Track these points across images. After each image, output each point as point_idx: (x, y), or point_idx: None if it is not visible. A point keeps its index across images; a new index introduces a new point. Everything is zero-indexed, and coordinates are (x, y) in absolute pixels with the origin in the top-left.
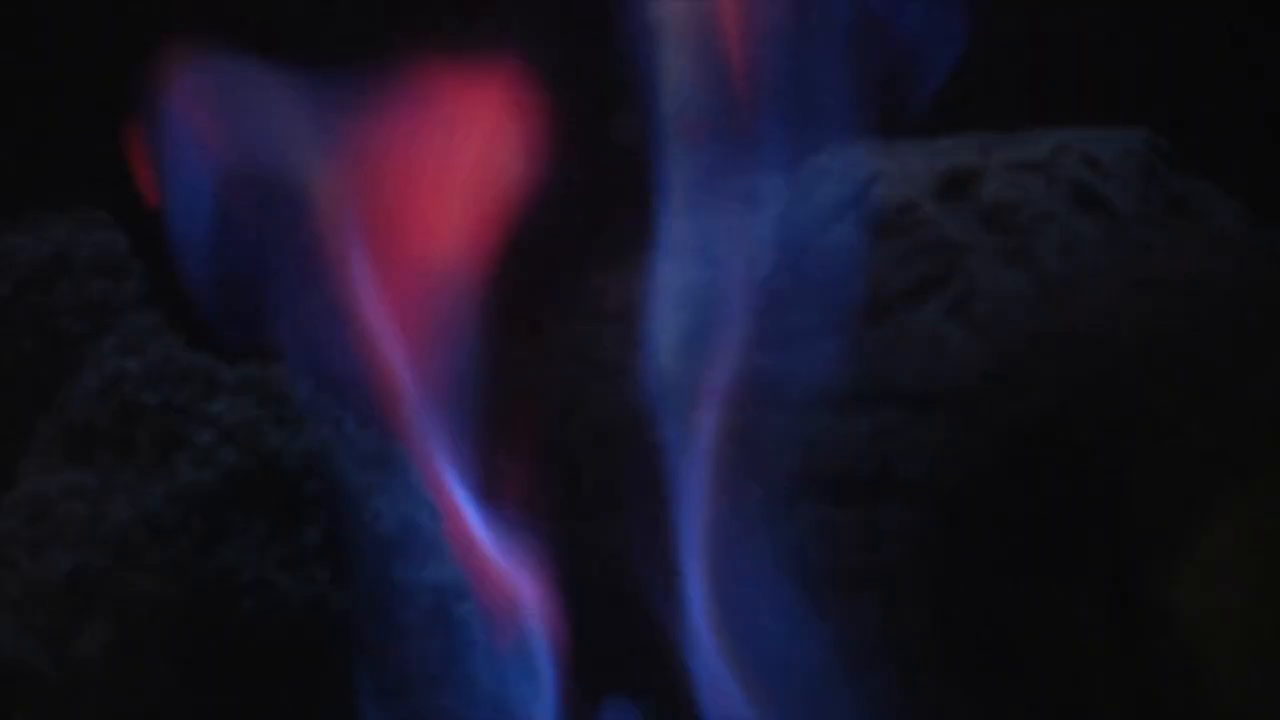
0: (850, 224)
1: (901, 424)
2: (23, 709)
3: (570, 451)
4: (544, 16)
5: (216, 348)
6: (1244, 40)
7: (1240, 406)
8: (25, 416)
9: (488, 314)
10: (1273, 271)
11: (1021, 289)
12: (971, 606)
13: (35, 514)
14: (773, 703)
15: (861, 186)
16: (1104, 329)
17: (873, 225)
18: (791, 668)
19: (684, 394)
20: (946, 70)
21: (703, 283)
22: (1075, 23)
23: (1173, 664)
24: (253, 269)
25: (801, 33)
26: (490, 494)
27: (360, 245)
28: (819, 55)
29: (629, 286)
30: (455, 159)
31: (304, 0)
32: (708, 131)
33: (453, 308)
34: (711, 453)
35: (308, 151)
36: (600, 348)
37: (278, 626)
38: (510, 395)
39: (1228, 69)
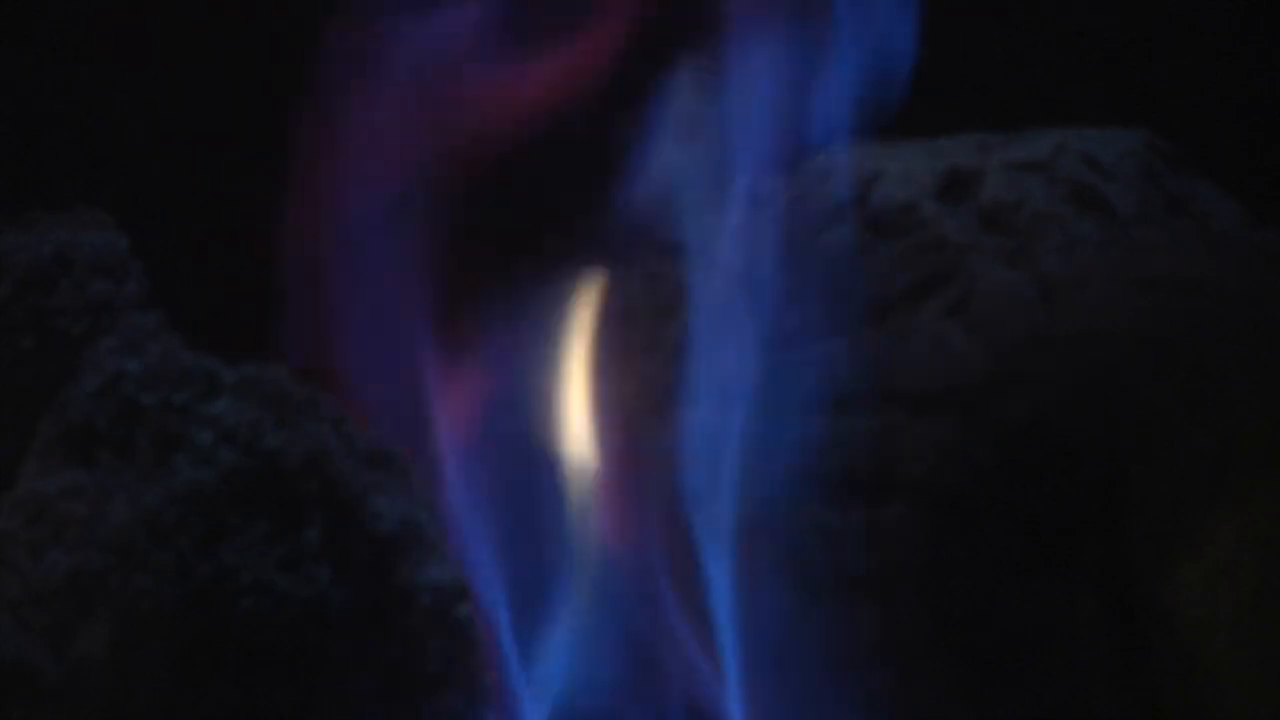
0: (850, 224)
1: (901, 424)
2: (23, 709)
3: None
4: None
5: (216, 348)
6: (1244, 40)
7: (1240, 406)
8: (25, 416)
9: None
10: (1273, 271)
11: (1021, 289)
12: (971, 606)
13: (35, 514)
14: (774, 702)
15: (862, 186)
16: (1104, 329)
17: (873, 225)
18: (792, 667)
19: (684, 395)
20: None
21: (703, 285)
22: (1075, 23)
23: (1173, 664)
24: None
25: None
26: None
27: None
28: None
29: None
30: None
31: None
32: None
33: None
34: (711, 453)
35: None
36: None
37: (278, 627)
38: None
39: (1228, 69)
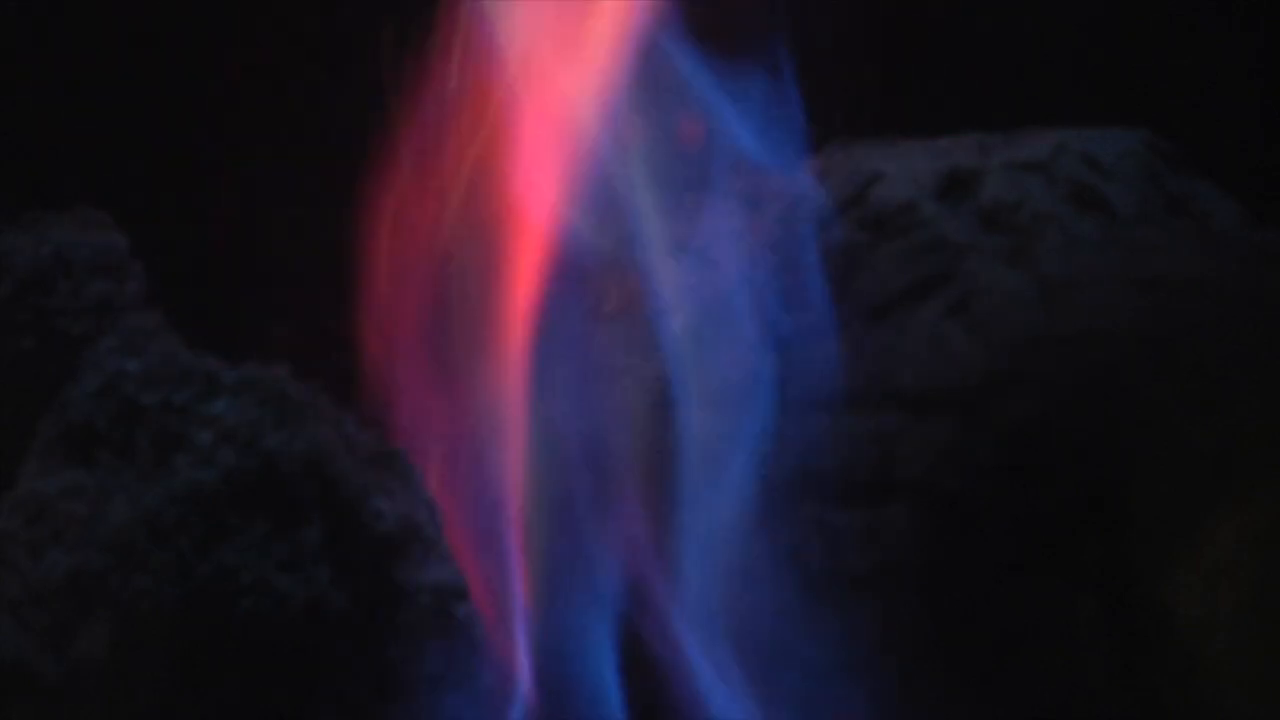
0: (850, 224)
1: (901, 424)
2: (23, 709)
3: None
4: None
5: (216, 348)
6: (1244, 40)
7: (1239, 407)
8: (25, 416)
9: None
10: (1273, 271)
11: (1021, 289)
12: (971, 606)
13: (35, 514)
14: (772, 703)
15: (861, 186)
16: (1104, 329)
17: (873, 225)
18: (792, 667)
19: (685, 393)
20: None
21: (703, 283)
22: (1075, 22)
23: (1173, 664)
24: None
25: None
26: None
27: None
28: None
29: (629, 286)
30: None
31: None
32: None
33: None
34: (712, 453)
35: None
36: (599, 349)
37: (278, 627)
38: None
39: (1228, 69)
